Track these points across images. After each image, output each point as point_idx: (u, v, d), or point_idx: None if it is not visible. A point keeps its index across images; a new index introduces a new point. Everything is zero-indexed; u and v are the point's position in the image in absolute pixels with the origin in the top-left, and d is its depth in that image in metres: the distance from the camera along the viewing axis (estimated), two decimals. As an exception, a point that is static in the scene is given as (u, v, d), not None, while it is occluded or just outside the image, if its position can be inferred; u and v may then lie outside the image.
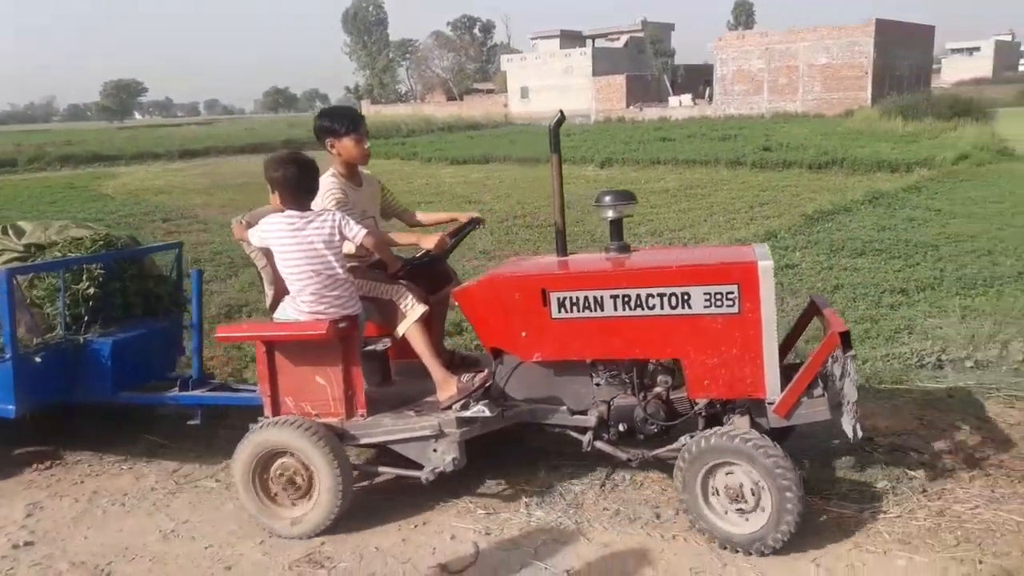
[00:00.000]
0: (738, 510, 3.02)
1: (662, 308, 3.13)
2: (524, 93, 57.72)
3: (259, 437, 3.36)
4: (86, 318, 4.09)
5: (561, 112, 3.59)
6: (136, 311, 4.42)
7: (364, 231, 3.32)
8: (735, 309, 3.06)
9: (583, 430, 3.42)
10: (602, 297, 3.18)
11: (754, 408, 3.23)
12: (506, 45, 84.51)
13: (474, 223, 4.02)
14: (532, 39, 68.05)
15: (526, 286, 3.29)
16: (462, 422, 3.33)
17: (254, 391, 3.98)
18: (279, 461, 3.37)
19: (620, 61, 56.65)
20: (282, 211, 3.35)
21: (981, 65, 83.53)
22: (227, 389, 4.28)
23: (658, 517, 3.34)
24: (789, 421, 3.10)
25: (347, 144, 3.67)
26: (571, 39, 62.99)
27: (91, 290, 4.14)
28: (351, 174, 3.78)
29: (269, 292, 3.58)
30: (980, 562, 2.91)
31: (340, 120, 3.68)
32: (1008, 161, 17.13)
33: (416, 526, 3.41)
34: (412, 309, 3.53)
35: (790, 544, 3.06)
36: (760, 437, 2.97)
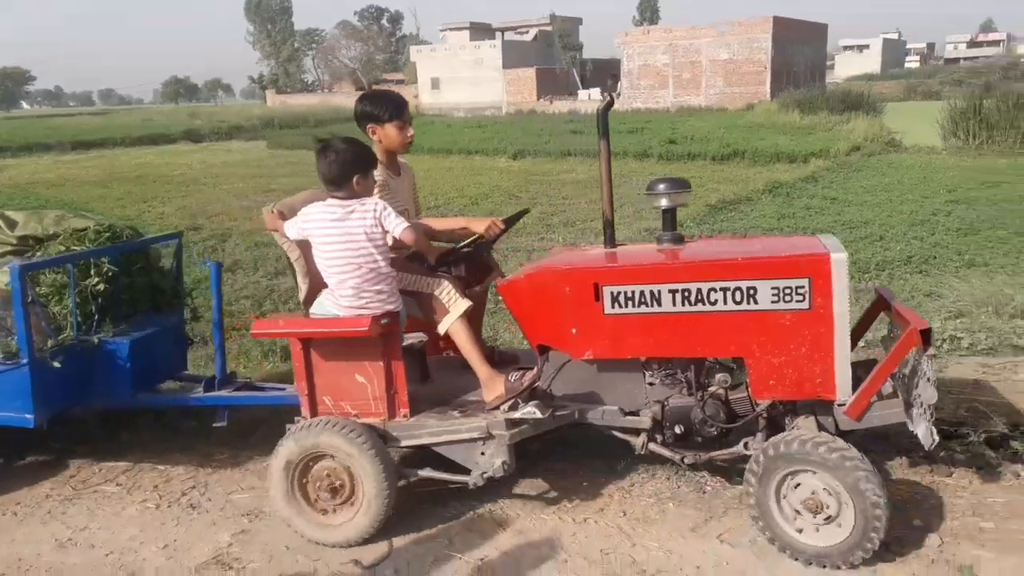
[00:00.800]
0: (820, 521, 2.81)
1: (725, 304, 2.92)
2: (435, 84, 57.31)
3: (299, 440, 3.14)
4: (96, 316, 3.80)
5: (611, 95, 3.38)
6: (143, 306, 4.15)
7: (404, 224, 3.10)
8: (805, 304, 2.86)
9: (635, 432, 3.24)
10: (659, 292, 2.97)
11: (818, 408, 3.05)
12: (415, 36, 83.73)
13: (523, 212, 3.85)
14: (441, 30, 67.56)
15: (577, 279, 3.08)
16: (511, 424, 3.14)
17: (283, 390, 3.89)
18: (319, 465, 3.16)
19: (529, 54, 56.94)
20: (323, 199, 3.17)
21: (871, 61, 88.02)
22: (253, 388, 4.08)
23: (570, 501, 3.38)
24: (861, 424, 2.96)
25: (390, 131, 3.51)
26: (480, 31, 62.88)
27: (100, 286, 3.82)
28: (391, 162, 3.62)
29: (303, 285, 3.32)
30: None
31: (383, 105, 3.51)
32: (896, 152, 18.11)
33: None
34: (456, 304, 3.33)
35: (701, 521, 3.17)
36: (846, 447, 2.75)
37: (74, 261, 3.73)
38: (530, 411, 3.12)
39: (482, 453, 3.16)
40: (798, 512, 2.84)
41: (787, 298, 2.87)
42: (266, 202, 3.52)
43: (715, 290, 2.92)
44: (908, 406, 2.94)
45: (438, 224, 3.77)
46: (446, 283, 3.37)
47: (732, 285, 2.90)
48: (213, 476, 3.84)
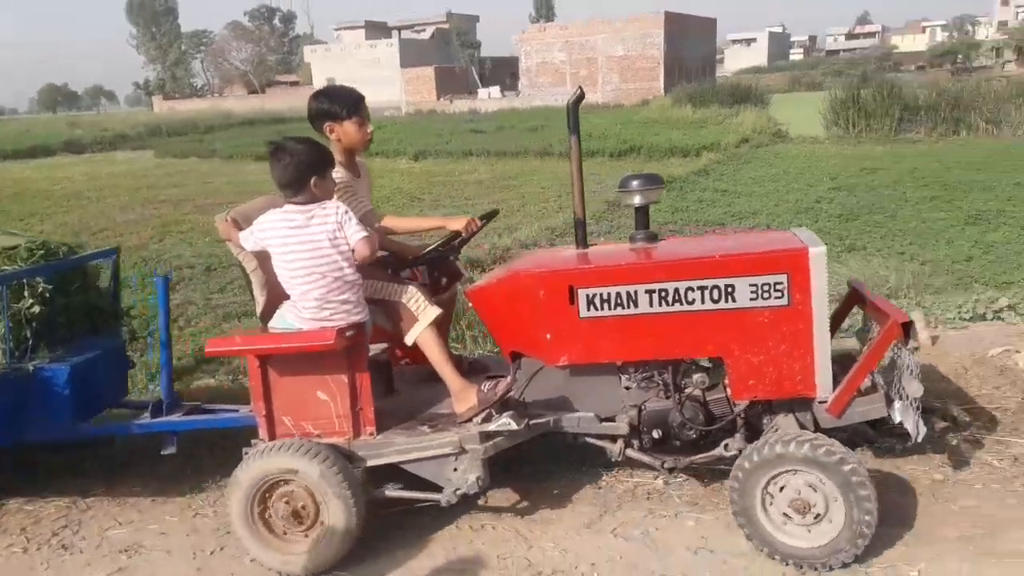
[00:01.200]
0: (806, 522, 2.75)
1: (703, 303, 2.86)
2: (331, 84, 56.29)
3: (259, 464, 2.95)
4: (31, 341, 3.49)
5: (580, 88, 3.26)
6: (80, 329, 3.83)
7: (362, 233, 2.92)
8: (784, 301, 2.81)
9: (612, 438, 3.14)
10: (636, 292, 2.89)
11: (796, 406, 3.00)
12: (309, 36, 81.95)
13: (494, 212, 3.70)
14: (336, 30, 66.39)
15: (551, 283, 2.98)
16: (486, 437, 3.00)
17: (236, 411, 3.67)
18: (281, 490, 2.98)
19: (427, 53, 56.63)
20: (279, 206, 2.99)
21: (758, 55, 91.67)
22: (204, 411, 3.80)
23: (467, 508, 3.35)
24: (842, 421, 2.91)
25: (349, 128, 3.34)
26: (376, 30, 62.13)
27: (35, 308, 3.52)
28: (350, 162, 3.43)
29: (260, 298, 3.12)
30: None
31: (341, 102, 3.33)
32: (782, 143, 18.90)
33: (213, 552, 3.22)
34: (424, 312, 3.17)
35: (596, 517, 3.21)
36: (833, 443, 2.70)
37: (6, 282, 3.45)
38: (505, 423, 2.99)
39: (455, 469, 3.01)
40: (787, 515, 2.77)
41: (765, 295, 2.82)
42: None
43: (692, 289, 2.86)
44: (889, 400, 2.93)
45: (409, 224, 3.66)
46: (414, 289, 3.21)
47: (710, 283, 2.85)
48: (87, 513, 3.61)
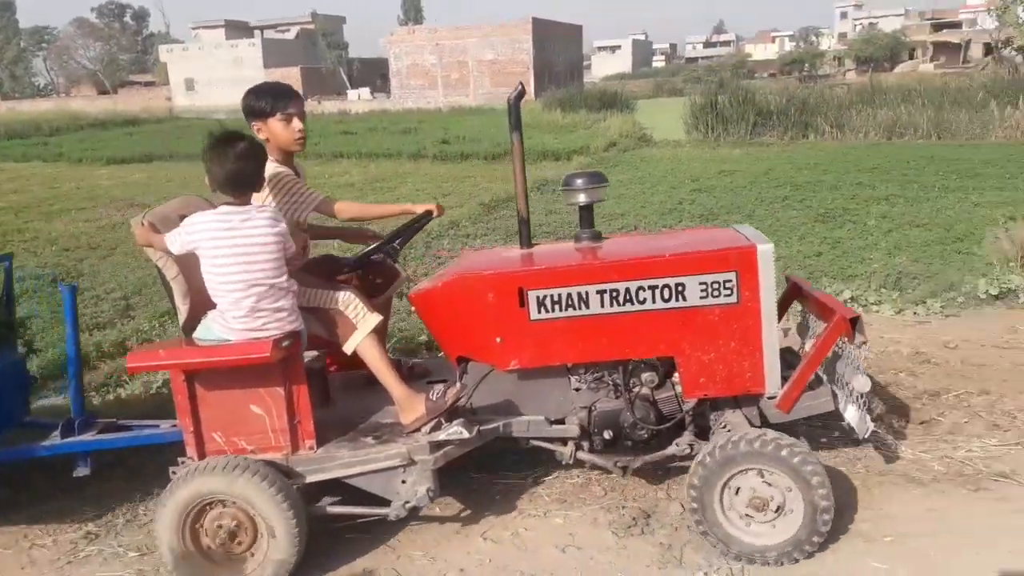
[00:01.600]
0: (764, 519, 2.78)
1: (654, 302, 2.85)
2: (190, 85, 53.71)
3: (189, 486, 2.74)
4: None
5: (521, 84, 3.18)
6: None
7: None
8: (733, 299, 2.84)
9: (562, 441, 3.11)
10: (587, 293, 2.85)
11: (743, 402, 3.04)
12: (164, 35, 77.84)
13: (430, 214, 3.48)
14: (193, 29, 63.46)
15: (500, 285, 2.90)
16: (436, 447, 2.89)
17: (156, 427, 3.42)
18: (213, 513, 2.78)
19: (292, 53, 55.07)
20: (201, 206, 2.80)
21: (622, 61, 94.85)
22: (119, 428, 3.50)
23: (336, 520, 3.23)
24: (791, 416, 2.94)
25: (274, 126, 3.14)
26: (237, 30, 59.84)
27: None
28: (287, 163, 3.21)
29: (183, 308, 2.89)
30: (623, 507, 3.24)
31: (265, 97, 3.13)
32: (647, 147, 19.56)
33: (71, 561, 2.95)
34: (364, 319, 3.02)
35: (466, 520, 3.19)
36: (789, 439, 2.73)
37: None
38: (456, 431, 2.89)
39: (403, 481, 2.90)
40: (748, 514, 2.78)
41: (715, 293, 2.84)
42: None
43: (643, 288, 2.85)
44: (834, 395, 2.99)
45: (371, 210, 3.51)
46: (351, 295, 3.06)
47: (660, 282, 2.85)
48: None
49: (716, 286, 2.83)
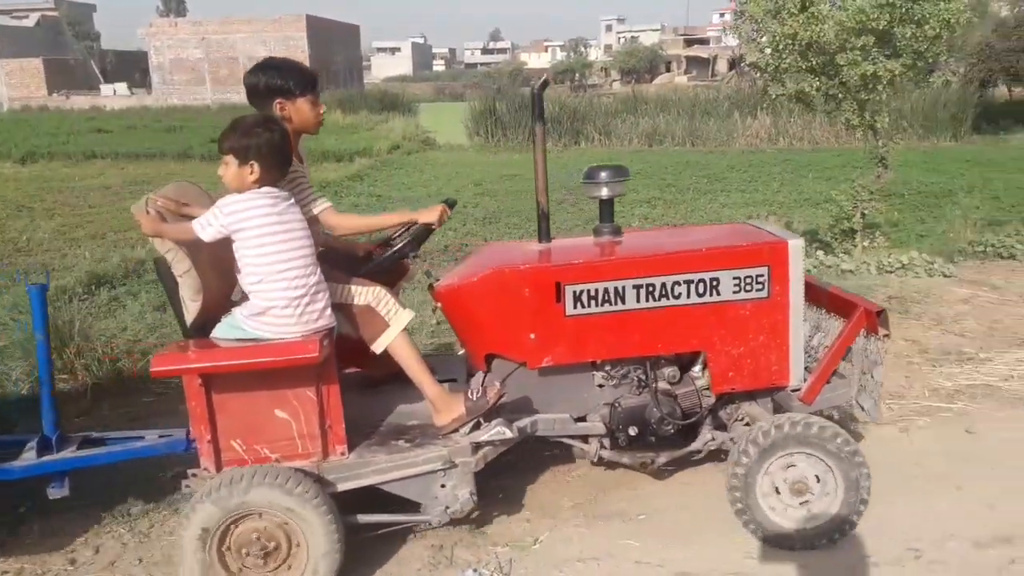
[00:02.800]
0: (802, 503, 2.80)
1: (688, 297, 2.82)
2: (-97, 74, 46.27)
3: (219, 500, 2.48)
4: None
5: (546, 75, 3.04)
6: None
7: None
8: (764, 293, 2.85)
9: (584, 439, 3.01)
10: (624, 288, 2.78)
11: (760, 395, 3.06)
12: None
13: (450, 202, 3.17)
14: (-93, 7, 54.87)
15: (538, 280, 2.79)
16: (477, 448, 2.72)
17: (141, 438, 3.09)
18: (243, 527, 2.54)
19: (33, 43, 49.32)
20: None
21: (403, 64, 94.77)
22: (98, 443, 3.10)
23: (78, 550, 2.87)
24: (813, 407, 2.93)
25: (302, 107, 2.91)
26: (-36, 11, 52.55)
27: None
28: (296, 146, 2.94)
29: (193, 305, 2.60)
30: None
31: (292, 75, 2.89)
32: (431, 150, 19.70)
33: None
34: (397, 316, 2.84)
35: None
36: (832, 424, 2.79)
37: None
38: (499, 431, 2.76)
39: (442, 486, 2.75)
40: (794, 495, 2.80)
41: (748, 288, 2.84)
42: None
43: (679, 283, 2.82)
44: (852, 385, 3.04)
45: (374, 222, 3.21)
46: (382, 291, 2.86)
47: (696, 277, 2.82)
48: None
49: (749, 280, 2.86)
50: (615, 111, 21.99)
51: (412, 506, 2.79)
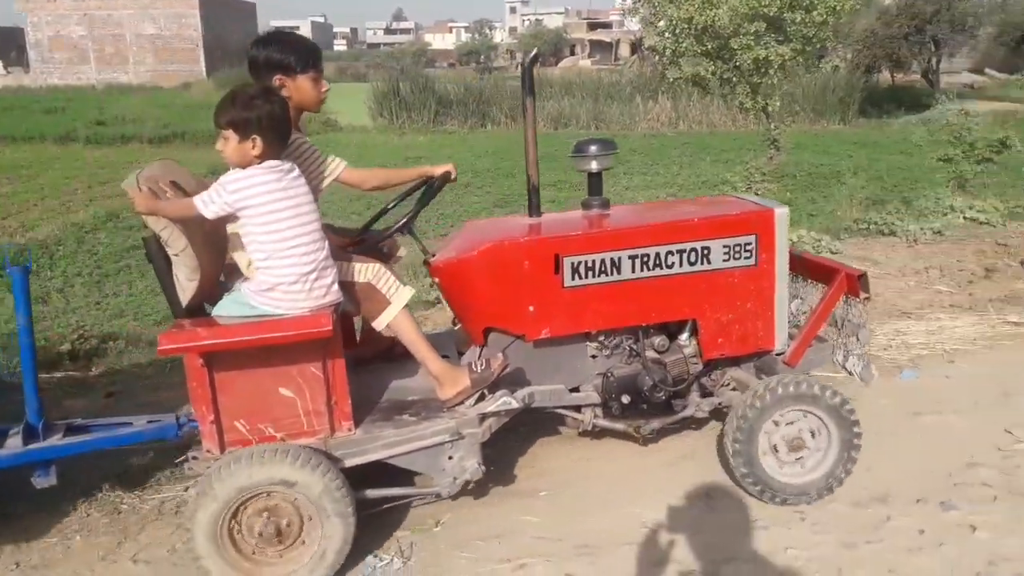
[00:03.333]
0: (798, 459, 2.95)
1: (681, 266, 2.91)
2: None
3: (231, 480, 2.46)
4: None
5: (536, 49, 2.95)
6: None
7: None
8: (752, 261, 2.96)
9: (577, 408, 3.08)
10: (620, 259, 2.85)
11: (740, 360, 3.17)
12: None
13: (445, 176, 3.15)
14: None
15: (537, 252, 2.83)
16: (483, 419, 2.80)
17: (130, 424, 3.03)
18: (253, 506, 2.53)
19: None
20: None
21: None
22: (83, 430, 3.01)
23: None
24: (798, 370, 3.05)
25: (303, 84, 2.84)
26: None
27: None
28: (297, 123, 2.88)
29: (190, 284, 2.56)
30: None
31: (294, 50, 2.82)
32: (334, 131, 19.24)
33: None
34: (398, 293, 2.85)
35: (116, 548, 2.91)
36: (819, 381, 2.92)
37: None
38: (505, 401, 2.84)
39: (449, 457, 2.81)
40: (788, 453, 2.94)
41: (736, 256, 2.95)
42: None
43: (672, 253, 2.90)
44: (834, 348, 3.23)
45: (393, 176, 3.21)
46: (382, 268, 2.87)
47: (688, 247, 2.90)
48: None
49: (738, 249, 2.96)
50: (521, 93, 22.02)
51: (407, 480, 2.90)
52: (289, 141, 2.68)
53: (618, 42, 60.05)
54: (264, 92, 2.59)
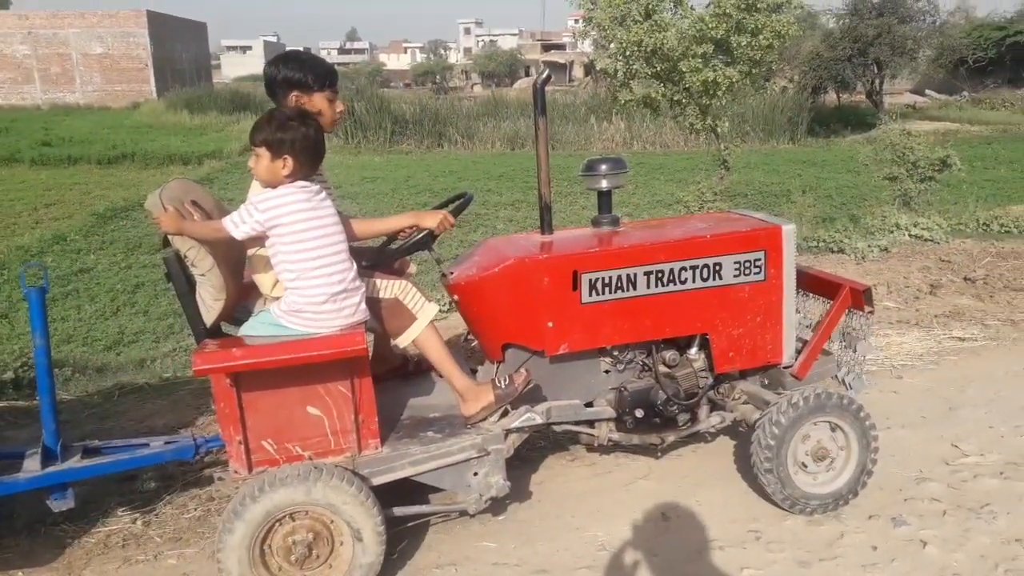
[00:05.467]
0: (829, 467, 3.02)
1: (694, 281, 2.96)
2: None
3: (267, 500, 2.45)
4: None
5: (548, 69, 3.10)
6: None
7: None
8: (761, 276, 3.02)
9: (591, 424, 3.08)
10: (635, 275, 2.90)
11: (747, 374, 3.22)
12: None
13: (467, 198, 3.16)
14: None
15: (556, 268, 2.85)
16: (507, 435, 2.83)
17: (147, 445, 3.05)
18: (288, 527, 2.52)
19: None
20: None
21: (255, 63, 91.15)
22: (100, 452, 2.99)
23: None
24: (805, 382, 3.12)
25: (320, 103, 2.85)
26: None
27: None
28: None
29: (216, 304, 2.58)
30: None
31: (311, 70, 2.83)
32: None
33: None
34: (424, 309, 2.86)
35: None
36: (848, 396, 3.00)
37: None
38: (529, 417, 2.87)
39: (475, 473, 2.81)
40: (813, 461, 3.01)
41: (747, 271, 3.01)
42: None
43: (685, 269, 2.95)
44: (837, 362, 3.30)
45: (380, 225, 3.10)
46: (408, 284, 2.88)
47: (701, 263, 2.96)
48: None
49: (748, 264, 3.02)
50: (477, 114, 22.13)
51: (422, 497, 2.89)
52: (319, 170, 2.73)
53: (572, 63, 60.75)
54: (301, 115, 2.64)
